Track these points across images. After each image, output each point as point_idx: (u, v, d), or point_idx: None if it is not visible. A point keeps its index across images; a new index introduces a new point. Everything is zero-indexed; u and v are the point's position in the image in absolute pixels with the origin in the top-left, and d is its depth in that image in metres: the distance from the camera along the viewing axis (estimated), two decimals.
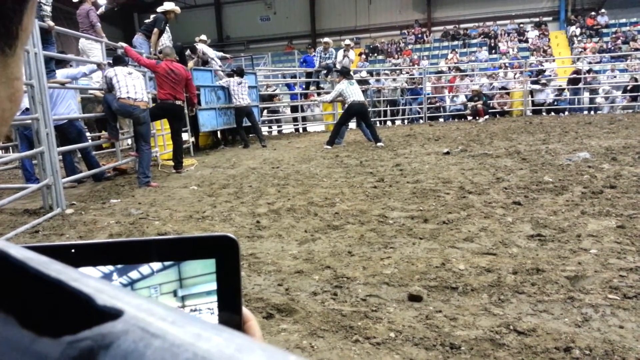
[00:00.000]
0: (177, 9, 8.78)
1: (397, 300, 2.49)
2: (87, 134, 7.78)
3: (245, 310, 0.40)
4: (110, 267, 0.37)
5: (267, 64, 21.31)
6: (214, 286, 0.38)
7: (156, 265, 0.38)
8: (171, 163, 7.91)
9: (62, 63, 6.34)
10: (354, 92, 8.74)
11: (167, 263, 0.38)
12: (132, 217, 4.44)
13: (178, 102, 6.86)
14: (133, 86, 5.97)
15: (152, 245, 0.37)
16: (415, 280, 2.71)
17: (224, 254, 0.38)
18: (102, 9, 8.45)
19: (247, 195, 5.08)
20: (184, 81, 6.88)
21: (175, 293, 0.39)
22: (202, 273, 0.38)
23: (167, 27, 8.77)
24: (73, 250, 0.36)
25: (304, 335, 2.19)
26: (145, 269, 0.38)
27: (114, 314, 0.22)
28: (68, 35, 6.88)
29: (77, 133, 6.27)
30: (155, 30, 8.28)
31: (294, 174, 6.21)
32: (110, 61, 6.35)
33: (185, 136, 9.97)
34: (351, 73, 9.47)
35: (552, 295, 2.44)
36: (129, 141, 8.32)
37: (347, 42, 13.20)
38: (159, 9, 8.51)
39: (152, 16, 8.68)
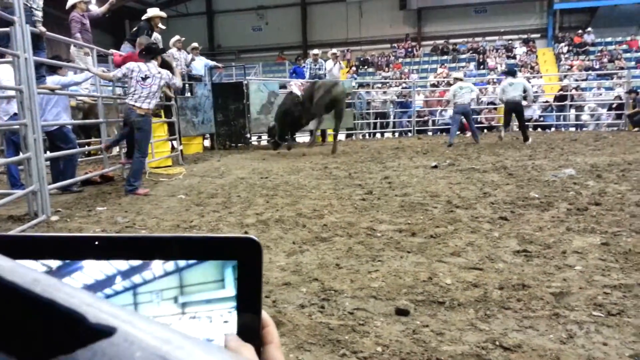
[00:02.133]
0: (162, 14, 8.74)
1: (384, 314, 2.49)
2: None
3: (264, 315, 0.40)
4: (122, 267, 0.37)
5: (257, 74, 21.36)
6: (214, 294, 0.38)
7: (158, 271, 0.38)
8: (161, 171, 7.92)
9: (54, 68, 6.30)
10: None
11: (168, 269, 0.38)
12: (118, 225, 4.40)
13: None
14: (140, 91, 5.89)
15: (174, 242, 0.37)
16: (402, 294, 2.72)
17: (247, 256, 0.38)
18: (95, 12, 8.37)
19: (235, 205, 5.07)
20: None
21: (175, 299, 0.39)
22: (203, 281, 0.39)
23: (157, 35, 8.74)
24: (97, 243, 0.36)
25: (290, 349, 2.18)
26: (147, 274, 0.38)
27: (107, 331, 0.22)
28: (59, 40, 6.85)
29: (66, 140, 6.21)
30: (139, 39, 8.26)
31: (282, 185, 6.21)
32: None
33: (174, 144, 9.96)
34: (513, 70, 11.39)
35: (538, 311, 2.46)
36: (117, 148, 8.26)
37: (334, 51, 13.29)
38: (143, 17, 8.50)
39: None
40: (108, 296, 0.38)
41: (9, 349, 0.21)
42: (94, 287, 0.37)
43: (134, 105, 5.89)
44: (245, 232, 4.03)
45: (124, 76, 6.01)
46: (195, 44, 11.40)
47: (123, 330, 0.22)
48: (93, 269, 0.37)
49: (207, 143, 11.79)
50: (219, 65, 12.95)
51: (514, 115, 10.87)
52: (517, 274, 2.93)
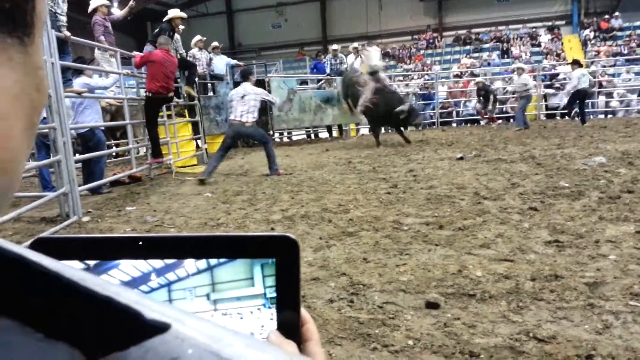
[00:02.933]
0: (182, 14, 8.82)
1: (414, 308, 2.48)
2: None
3: (303, 312, 0.40)
4: (156, 265, 0.38)
5: (278, 70, 21.42)
6: (244, 292, 0.39)
7: (191, 268, 0.38)
8: (187, 170, 8.02)
9: (80, 70, 6.45)
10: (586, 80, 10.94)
11: (200, 267, 0.38)
12: (147, 224, 4.48)
13: (170, 95, 7.14)
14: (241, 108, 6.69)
15: (215, 241, 0.38)
16: (432, 287, 2.70)
17: (285, 254, 0.38)
18: (117, 15, 8.51)
19: (260, 202, 5.10)
20: (175, 73, 7.16)
21: (208, 296, 0.40)
22: (233, 279, 0.39)
23: (177, 36, 8.82)
24: (140, 243, 0.37)
25: (321, 344, 2.18)
26: (181, 271, 0.39)
27: (161, 328, 0.23)
28: (83, 45, 6.99)
29: (96, 142, 6.36)
30: (159, 39, 8.35)
31: (307, 180, 6.22)
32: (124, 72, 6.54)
33: (199, 143, 10.07)
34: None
35: (572, 302, 2.41)
36: (144, 149, 8.41)
37: (355, 45, 13.21)
38: (165, 19, 8.59)
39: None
40: (144, 293, 0.39)
41: (73, 342, 0.22)
42: (130, 285, 0.38)
43: (239, 121, 6.71)
44: (272, 229, 4.05)
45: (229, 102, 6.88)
46: (215, 43, 11.48)
47: (174, 328, 0.23)
48: (128, 267, 0.38)
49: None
50: (240, 63, 13.02)
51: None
52: (549, 265, 2.88)
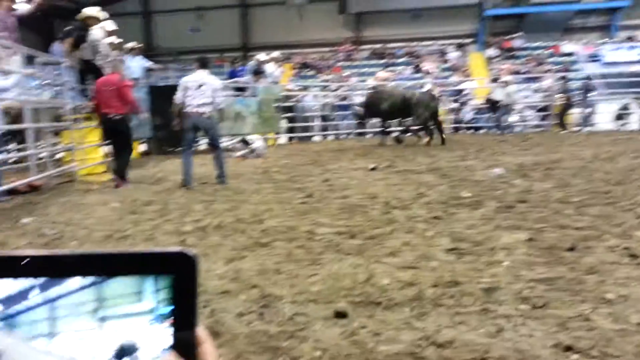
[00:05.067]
0: (100, 15, 8.40)
1: (323, 318, 2.51)
2: None
3: (200, 332, 0.39)
4: (38, 280, 0.36)
5: None
6: (133, 308, 0.38)
7: (76, 284, 0.37)
8: (93, 178, 7.58)
9: None
10: None
11: (86, 282, 0.37)
12: (45, 237, 4.17)
13: (111, 116, 6.63)
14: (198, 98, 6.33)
15: (106, 258, 0.36)
16: (341, 296, 2.76)
17: (182, 270, 0.37)
18: (22, 11, 7.90)
19: (172, 213, 4.94)
20: (116, 91, 6.59)
21: (94, 313, 0.37)
22: (121, 294, 0.38)
23: (97, 34, 8.34)
24: (27, 261, 0.35)
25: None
26: (65, 286, 0.37)
27: None
28: None
29: None
30: (68, 39, 7.88)
31: (222, 190, 6.12)
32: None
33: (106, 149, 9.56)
34: None
35: (469, 307, 2.56)
36: (45, 153, 7.84)
37: (275, 54, 13.28)
38: (78, 16, 8.13)
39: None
40: (21, 312, 0.36)
41: None
42: (7, 302, 0.36)
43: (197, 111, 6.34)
44: (183, 240, 3.94)
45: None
46: (133, 44, 10.96)
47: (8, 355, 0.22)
48: (6, 282, 0.36)
49: (143, 148, 11.40)
50: (157, 66, 12.57)
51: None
52: (450, 272, 3.05)
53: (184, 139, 6.65)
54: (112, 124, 6.69)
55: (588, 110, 13.64)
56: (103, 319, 0.38)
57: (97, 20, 8.25)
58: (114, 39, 10.08)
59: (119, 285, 0.37)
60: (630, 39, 22.56)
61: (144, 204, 5.45)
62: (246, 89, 12.66)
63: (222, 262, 3.40)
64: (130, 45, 10.74)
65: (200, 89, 6.33)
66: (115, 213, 5.02)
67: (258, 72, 12.52)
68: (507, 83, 13.56)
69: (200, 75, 6.47)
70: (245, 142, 10.44)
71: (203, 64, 6.70)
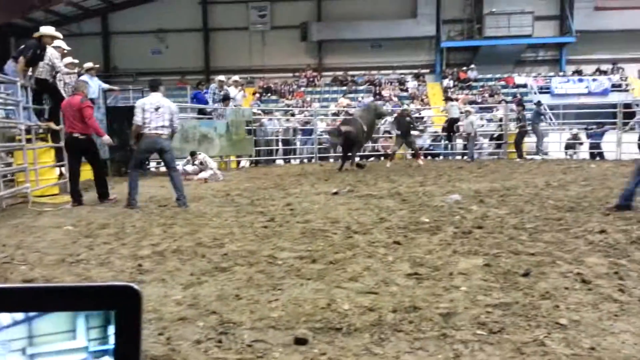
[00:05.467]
0: (56, 34, 8.22)
1: (283, 345, 2.48)
2: None
3: None
4: None
5: None
6: (65, 345, 0.36)
7: (6, 320, 0.35)
8: (47, 200, 7.34)
9: None
10: None
11: (17, 318, 0.35)
12: None
13: (75, 135, 6.72)
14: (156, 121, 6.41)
15: (46, 292, 0.35)
16: (302, 322, 2.73)
17: (126, 305, 0.36)
18: None
19: (129, 236, 4.81)
20: (77, 112, 6.67)
21: (24, 351, 0.36)
22: (54, 331, 0.36)
23: (52, 52, 8.14)
24: None
25: None
26: None
27: None
28: None
29: None
30: (21, 58, 7.67)
31: (182, 213, 6.01)
32: None
33: (63, 170, 9.24)
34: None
35: (427, 332, 2.59)
36: None
37: (236, 78, 13.31)
38: (35, 34, 7.94)
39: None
40: None
41: None
42: None
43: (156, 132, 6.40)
44: (139, 265, 3.83)
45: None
46: (90, 64, 10.74)
47: None
48: None
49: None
50: (115, 87, 12.33)
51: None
52: (409, 297, 3.08)
53: (134, 160, 6.77)
54: (77, 143, 6.80)
55: (541, 138, 14.24)
56: (33, 357, 0.36)
57: (52, 39, 8.07)
58: (71, 59, 9.87)
59: (52, 322, 0.36)
60: (577, 72, 23.92)
61: (99, 227, 5.28)
62: (211, 111, 12.60)
63: (180, 288, 3.32)
64: (87, 65, 10.51)
65: (158, 111, 6.41)
66: (69, 236, 4.84)
67: (226, 98, 12.55)
68: (469, 112, 14.20)
69: (157, 98, 6.56)
70: (192, 154, 10.30)
71: (154, 87, 6.81)
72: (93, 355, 0.37)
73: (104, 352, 0.37)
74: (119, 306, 0.36)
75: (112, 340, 0.37)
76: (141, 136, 6.52)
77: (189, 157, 10.43)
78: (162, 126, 6.43)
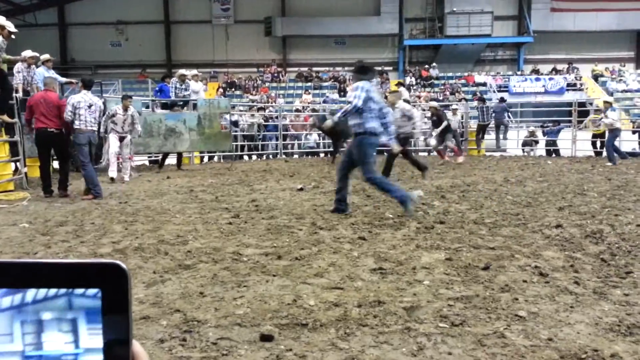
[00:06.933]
0: (10, 26, 7.90)
1: (248, 342, 2.47)
2: None
3: (136, 347, 0.36)
4: None
5: (117, 91, 20.12)
6: (4, 348, 0.35)
7: None
8: (1, 197, 7.10)
9: None
10: None
11: None
12: None
13: (51, 130, 6.92)
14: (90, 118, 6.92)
15: (27, 268, 0.33)
16: (267, 319, 2.73)
17: (111, 284, 0.35)
18: None
19: (88, 234, 4.67)
20: (55, 109, 6.91)
21: None
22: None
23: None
24: None
25: None
26: None
27: None
28: None
29: None
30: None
31: (144, 210, 5.89)
32: None
33: (18, 165, 8.88)
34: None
35: (392, 326, 2.63)
36: None
37: (195, 72, 13.05)
38: None
39: None
40: None
41: None
42: None
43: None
44: None
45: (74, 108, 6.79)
46: (46, 56, 10.32)
47: None
48: None
49: (57, 164, 10.69)
50: (73, 80, 11.91)
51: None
52: (374, 291, 3.12)
53: (81, 154, 7.03)
54: (51, 138, 7.02)
55: (505, 133, 14.64)
56: None
57: (2, 29, 7.75)
58: (31, 52, 9.47)
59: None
60: (535, 71, 24.72)
61: (57, 224, 5.11)
62: (175, 104, 12.23)
63: (143, 286, 3.25)
64: (44, 57, 10.11)
65: (90, 109, 6.92)
66: (25, 234, 4.66)
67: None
68: (456, 110, 14.55)
69: (88, 96, 7.04)
70: (125, 98, 9.35)
71: (86, 85, 7.22)
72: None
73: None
74: (104, 285, 0.35)
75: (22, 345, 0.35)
76: (76, 131, 6.91)
77: (116, 106, 9.46)
78: (95, 123, 7.05)
